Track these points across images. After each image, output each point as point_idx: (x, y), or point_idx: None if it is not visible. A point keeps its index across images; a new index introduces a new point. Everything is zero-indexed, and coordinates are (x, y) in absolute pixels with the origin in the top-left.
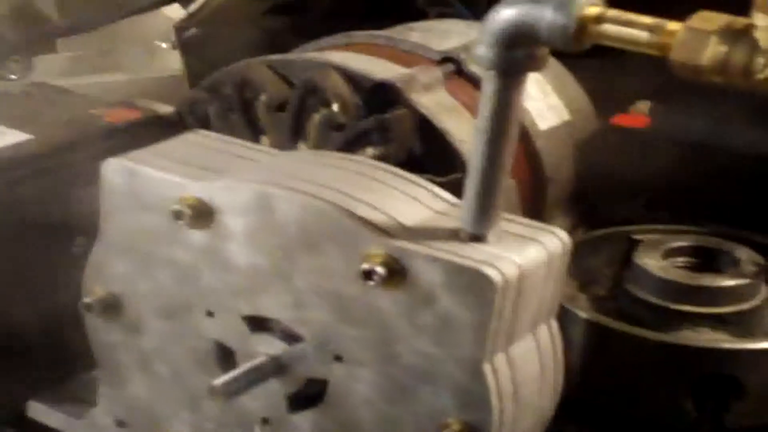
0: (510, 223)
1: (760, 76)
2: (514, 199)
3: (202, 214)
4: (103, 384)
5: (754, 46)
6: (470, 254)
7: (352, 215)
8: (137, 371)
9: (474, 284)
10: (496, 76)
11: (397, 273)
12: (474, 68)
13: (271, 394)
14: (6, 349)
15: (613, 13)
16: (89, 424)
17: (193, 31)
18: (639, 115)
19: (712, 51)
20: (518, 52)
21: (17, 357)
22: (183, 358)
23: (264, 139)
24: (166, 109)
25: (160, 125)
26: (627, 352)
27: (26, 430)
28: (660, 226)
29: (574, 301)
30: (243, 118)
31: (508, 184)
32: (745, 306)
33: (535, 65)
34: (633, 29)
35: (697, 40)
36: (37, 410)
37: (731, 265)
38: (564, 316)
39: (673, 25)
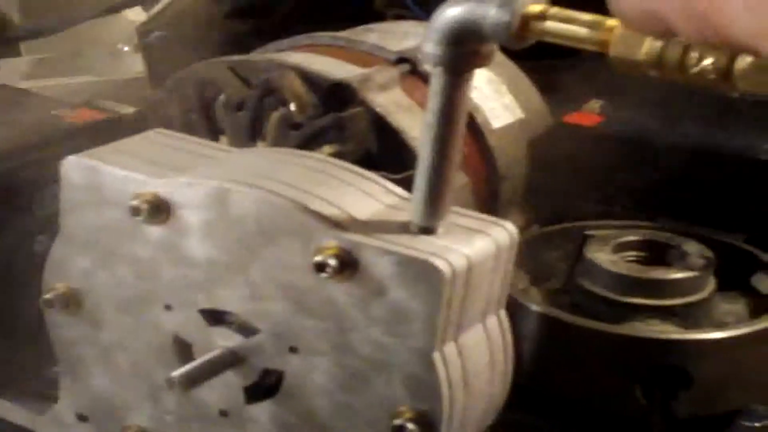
0: (459, 216)
1: (695, 70)
2: (468, 196)
3: (160, 210)
4: (65, 379)
5: (688, 42)
6: (419, 246)
7: (305, 209)
8: (98, 365)
9: (423, 275)
10: (443, 72)
11: (349, 265)
12: (428, 68)
13: (229, 386)
14: None
15: (554, 10)
16: (52, 419)
17: (155, 33)
18: (591, 113)
19: (648, 46)
20: (464, 49)
21: None
22: (142, 352)
23: (223, 138)
24: (128, 110)
25: (123, 126)
26: (579, 344)
27: None
28: (612, 222)
29: (527, 295)
30: (203, 117)
31: (462, 182)
32: (693, 298)
33: (481, 62)
34: (573, 26)
35: (634, 36)
36: (1, 406)
37: (680, 259)
38: (517, 310)
39: (611, 22)
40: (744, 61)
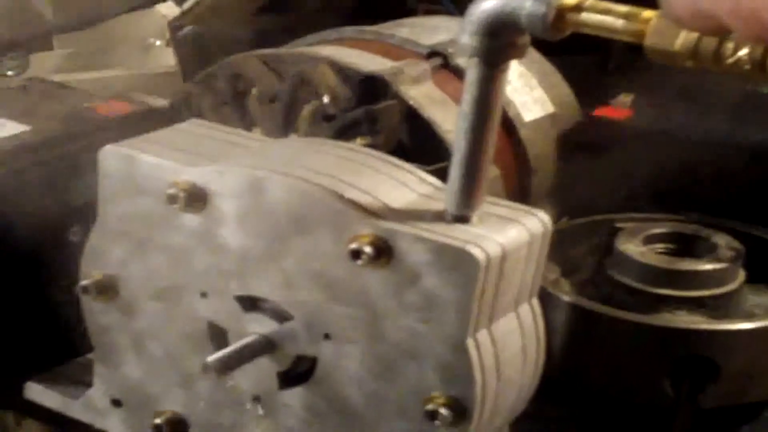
0: (493, 205)
1: (730, 60)
2: (499, 188)
3: (196, 198)
4: (99, 365)
5: (741, 40)
6: (454, 234)
7: (341, 198)
8: (132, 352)
9: (458, 263)
10: (478, 63)
11: (384, 252)
12: (460, 62)
13: (262, 372)
14: (7, 334)
15: (590, 2)
16: (85, 404)
17: (187, 28)
18: (621, 107)
19: (684, 37)
20: (500, 41)
21: (17, 341)
22: (177, 339)
23: (256, 131)
24: (160, 102)
25: (154, 118)
26: (608, 334)
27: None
28: (641, 215)
29: (557, 286)
30: (235, 110)
31: (494, 174)
32: (722, 290)
33: (516, 53)
34: (609, 17)
35: (670, 27)
36: (35, 391)
37: (709, 251)
38: (547, 301)
39: (647, 13)
40: None
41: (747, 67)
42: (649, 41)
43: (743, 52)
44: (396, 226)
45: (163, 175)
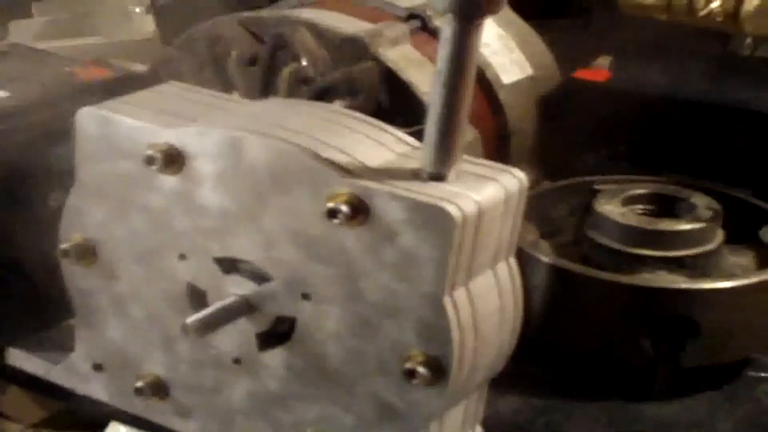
0: (469, 164)
1: (703, 12)
2: (478, 150)
3: (174, 160)
4: (80, 329)
5: None
6: (430, 192)
7: (317, 156)
8: (113, 315)
9: (434, 220)
10: (453, 19)
11: (360, 211)
12: (438, 23)
13: (242, 333)
14: None
15: None
16: (67, 368)
17: None
18: (600, 69)
19: None
20: None
21: None
22: (157, 301)
23: (235, 94)
24: (140, 67)
25: (135, 83)
26: (588, 294)
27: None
28: (621, 176)
29: (537, 247)
30: (215, 74)
31: (473, 136)
32: (701, 249)
33: (491, 7)
34: None
35: None
36: (17, 356)
37: (688, 211)
38: (527, 262)
39: None
40: (751, 4)
41: (719, 19)
42: None
43: (715, 4)
44: (372, 184)
45: (140, 137)
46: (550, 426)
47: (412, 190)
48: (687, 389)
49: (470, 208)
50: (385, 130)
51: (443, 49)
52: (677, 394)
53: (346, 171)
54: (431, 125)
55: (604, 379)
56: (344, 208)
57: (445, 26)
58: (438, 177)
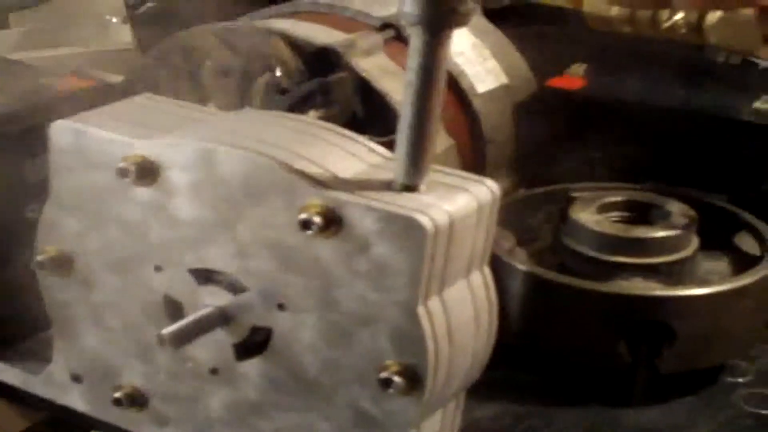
0: (441, 174)
1: (666, 24)
2: (454, 159)
3: (147, 172)
4: (58, 340)
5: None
6: (402, 203)
7: (290, 168)
8: (90, 326)
9: (406, 231)
10: (422, 31)
11: (333, 222)
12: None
13: (219, 344)
14: None
15: None
16: (46, 379)
17: (145, 5)
18: (575, 77)
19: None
20: (440, 7)
21: None
22: (134, 312)
23: (210, 105)
24: (116, 78)
25: (111, 94)
26: (565, 302)
27: None
28: (596, 184)
29: (513, 255)
30: (190, 84)
31: (449, 144)
32: (676, 256)
33: (459, 20)
34: None
35: None
36: None
37: (663, 218)
38: (503, 269)
39: None
40: (713, 15)
41: (683, 30)
42: (587, 6)
43: (678, 16)
44: (344, 195)
45: (113, 149)
46: None
47: (384, 200)
48: (666, 395)
49: (442, 218)
50: (358, 141)
51: (412, 59)
52: (656, 400)
53: (318, 182)
54: (402, 136)
55: (584, 385)
56: (317, 219)
57: (414, 38)
58: (410, 188)
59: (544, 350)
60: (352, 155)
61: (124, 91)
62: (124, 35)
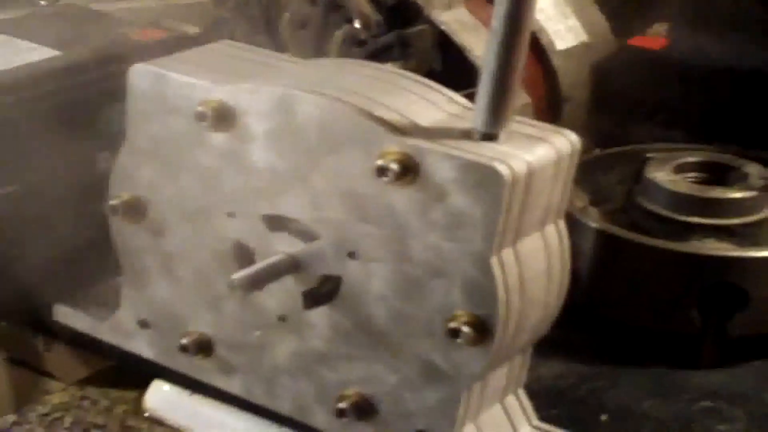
0: (521, 124)
1: None
2: (530, 116)
3: (225, 117)
4: (127, 286)
5: None
6: (481, 151)
7: (369, 115)
8: (159, 273)
9: (484, 180)
10: None
11: (410, 169)
12: None
13: (288, 291)
14: (36, 256)
15: None
16: (113, 325)
17: None
18: (656, 36)
19: None
20: None
21: (45, 263)
22: (204, 259)
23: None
24: (193, 29)
25: (188, 44)
26: (635, 261)
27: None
28: (673, 145)
29: (586, 213)
30: (267, 36)
31: (525, 101)
32: (751, 218)
33: None
34: None
35: None
36: (63, 313)
37: (740, 180)
38: (575, 228)
39: None
40: None
41: None
42: None
43: None
44: (423, 143)
45: (192, 93)
46: (594, 392)
47: (463, 149)
48: (734, 359)
49: (520, 168)
50: (437, 90)
51: (499, 7)
52: (724, 364)
53: (397, 129)
54: (484, 84)
55: (650, 346)
56: (394, 166)
57: None
58: (489, 137)
59: (612, 310)
60: (431, 104)
61: (202, 42)
62: None
